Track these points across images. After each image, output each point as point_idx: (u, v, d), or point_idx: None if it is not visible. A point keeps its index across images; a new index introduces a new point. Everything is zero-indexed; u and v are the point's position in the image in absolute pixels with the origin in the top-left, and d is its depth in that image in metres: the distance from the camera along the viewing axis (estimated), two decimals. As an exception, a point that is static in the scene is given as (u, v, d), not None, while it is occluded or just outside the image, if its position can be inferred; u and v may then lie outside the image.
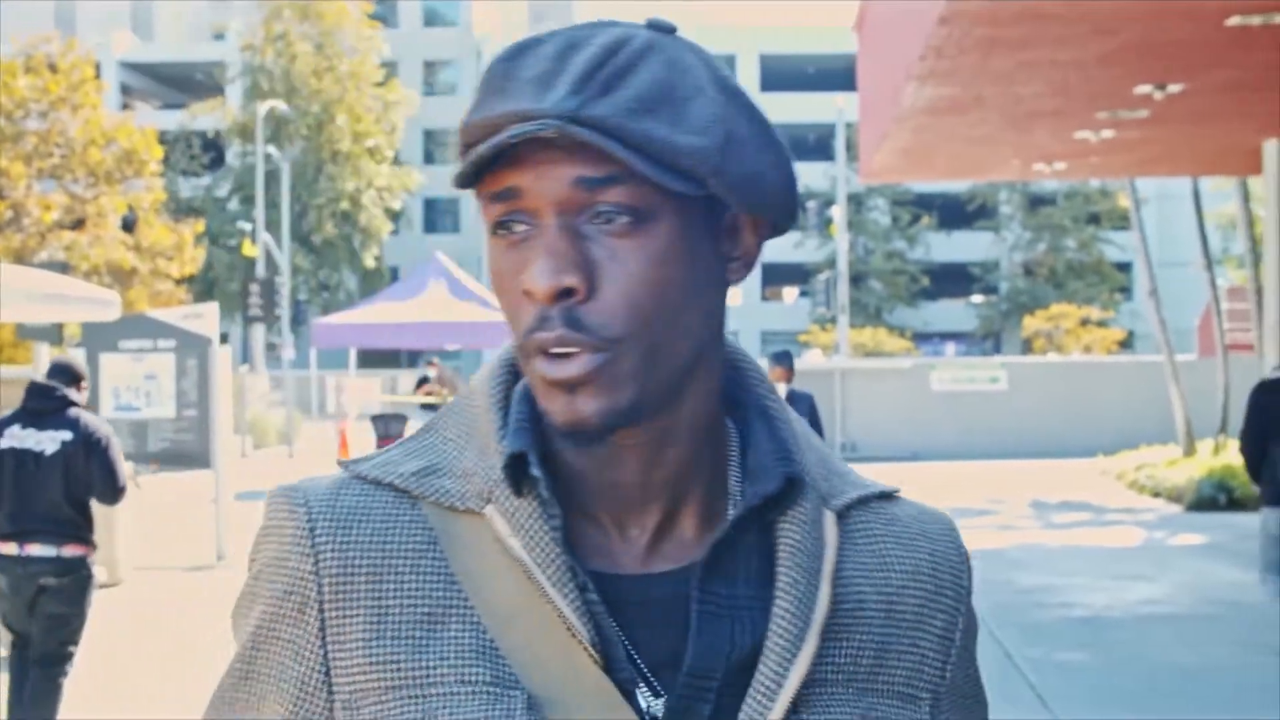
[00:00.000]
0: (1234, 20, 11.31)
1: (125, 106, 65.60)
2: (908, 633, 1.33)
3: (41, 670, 7.66)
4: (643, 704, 1.24)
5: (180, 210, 51.96)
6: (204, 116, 58.23)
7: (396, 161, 60.68)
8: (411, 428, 24.66)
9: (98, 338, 14.93)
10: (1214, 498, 20.02)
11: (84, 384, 8.08)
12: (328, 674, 1.28)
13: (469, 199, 73.62)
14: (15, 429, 7.77)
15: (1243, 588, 11.00)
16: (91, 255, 28.87)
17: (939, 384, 30.71)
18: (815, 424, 11.60)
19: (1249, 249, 22.79)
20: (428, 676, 1.25)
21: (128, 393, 14.99)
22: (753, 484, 1.29)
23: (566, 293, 1.20)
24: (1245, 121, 16.44)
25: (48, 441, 7.74)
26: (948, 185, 63.68)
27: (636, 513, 1.29)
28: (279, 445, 35.42)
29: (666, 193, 1.21)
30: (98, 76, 32.13)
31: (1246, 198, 23.32)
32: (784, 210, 1.29)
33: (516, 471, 1.27)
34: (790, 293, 73.09)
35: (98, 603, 7.97)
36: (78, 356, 13.94)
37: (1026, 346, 58.94)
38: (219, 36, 74.01)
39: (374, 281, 57.21)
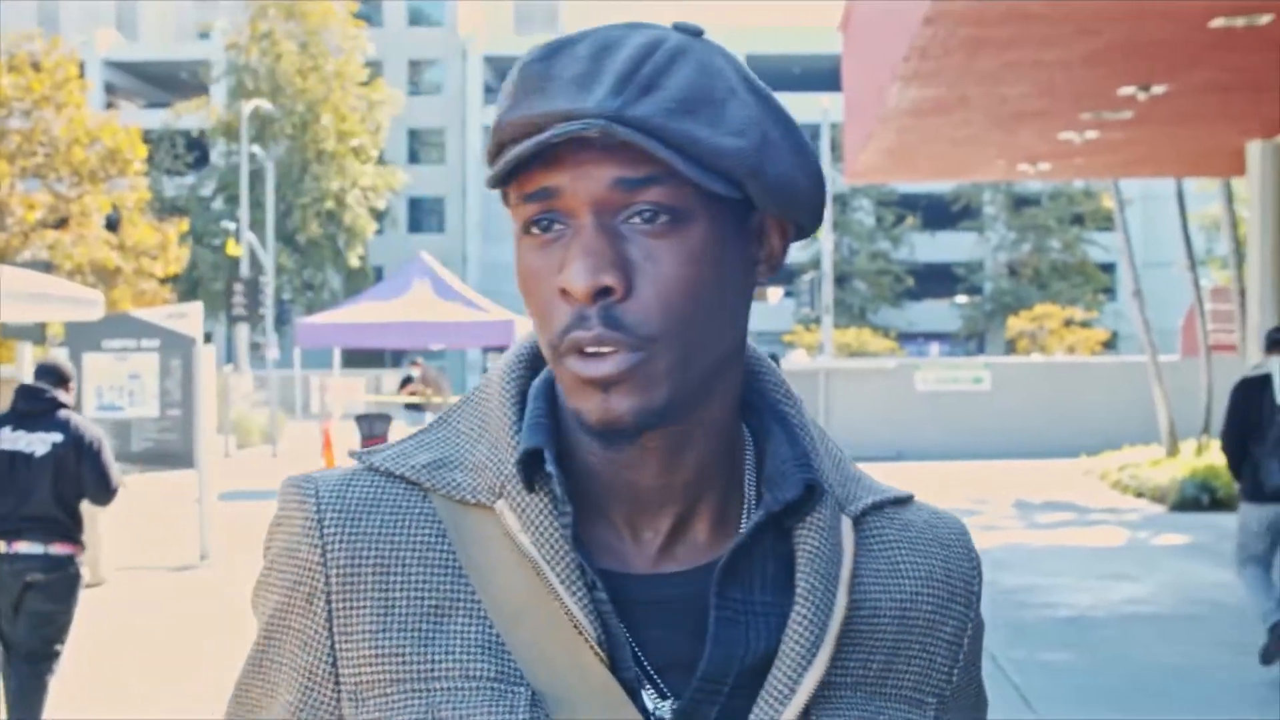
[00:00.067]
0: (1217, 22, 11.33)
1: (109, 105, 65.47)
2: (919, 638, 1.33)
3: (28, 668, 7.65)
4: (649, 705, 1.24)
5: (164, 209, 51.84)
6: (188, 115, 58.10)
7: (381, 161, 60.61)
8: (396, 428, 24.78)
9: (81, 337, 14.89)
10: (1197, 498, 20.07)
11: (71, 385, 8.11)
12: (334, 665, 1.28)
13: (453, 199, 73.68)
14: (5, 431, 7.80)
15: (1226, 588, 11.03)
16: (75, 254, 28.80)
17: (923, 384, 30.75)
18: None
19: (1232, 250, 22.84)
20: (432, 671, 1.25)
21: (111, 392, 14.96)
22: (772, 490, 1.30)
23: (604, 292, 1.20)
24: (1229, 123, 16.48)
25: (38, 443, 7.76)
26: (932, 186, 63.77)
27: (651, 515, 1.29)
28: (263, 445, 35.37)
29: (701, 194, 1.22)
30: (82, 75, 32.05)
31: (1230, 199, 23.37)
32: (812, 214, 1.30)
33: (529, 467, 1.27)
34: (775, 293, 73.15)
35: (81, 602, 7.95)
36: (61, 356, 13.91)
37: (1010, 347, 59.03)
38: (204, 35, 73.89)
39: (358, 281, 57.12)
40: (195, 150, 63.43)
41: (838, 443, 1.39)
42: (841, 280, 64.54)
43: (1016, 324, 55.92)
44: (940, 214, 69.00)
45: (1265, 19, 11.20)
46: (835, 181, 53.04)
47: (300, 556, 1.29)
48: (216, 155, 60.02)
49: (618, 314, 1.20)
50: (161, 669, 10.23)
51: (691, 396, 1.25)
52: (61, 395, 7.93)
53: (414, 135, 75.16)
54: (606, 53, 1.23)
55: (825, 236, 41.74)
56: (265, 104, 49.47)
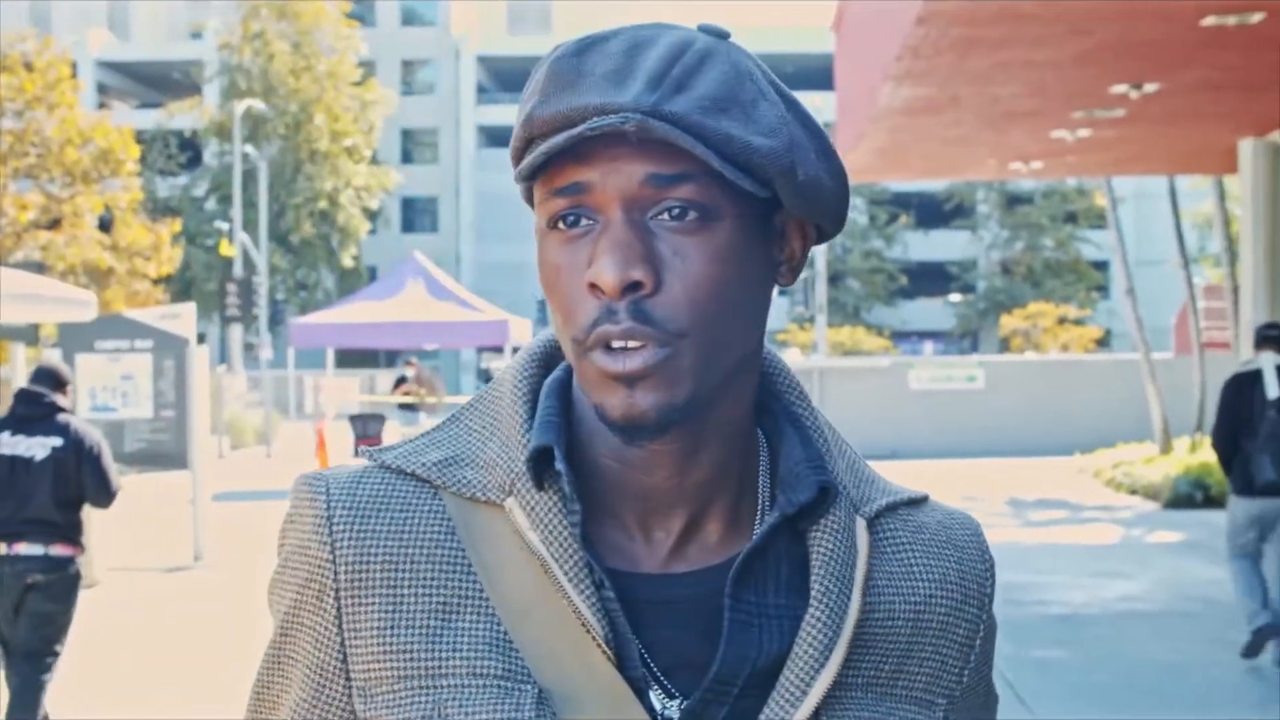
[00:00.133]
0: (1209, 20, 11.34)
1: (102, 106, 65.38)
2: (932, 641, 1.34)
3: (28, 667, 7.70)
4: (656, 705, 1.25)
5: (157, 210, 51.78)
6: (181, 116, 58.00)
7: (374, 161, 60.56)
8: (390, 428, 24.76)
9: (74, 338, 14.88)
10: (1190, 495, 20.09)
11: (69, 388, 8.19)
12: (345, 661, 1.29)
13: (446, 199, 73.61)
14: (5, 436, 7.87)
15: (1219, 585, 11.05)
16: (68, 255, 28.76)
17: (917, 383, 30.76)
18: None
19: (1225, 248, 22.87)
20: (440, 667, 1.25)
21: (104, 393, 14.95)
22: (785, 492, 1.30)
23: (634, 286, 1.20)
24: (1221, 121, 16.50)
25: (38, 447, 7.84)
26: (925, 184, 63.78)
27: (663, 515, 1.29)
28: (257, 445, 35.34)
29: (730, 193, 1.23)
30: (74, 75, 32.00)
31: (1223, 196, 23.39)
32: (836, 217, 1.31)
33: (540, 466, 1.27)
34: (768, 292, 73.06)
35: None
36: (55, 358, 13.91)
37: (1004, 345, 59.05)
38: (196, 35, 73.79)
39: (352, 281, 57.09)
40: (188, 150, 63.36)
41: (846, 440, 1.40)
42: (835, 279, 64.55)
43: (1010, 322, 55.93)
44: (933, 212, 69.02)
45: (1257, 17, 11.21)
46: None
47: (311, 553, 1.30)
48: (209, 155, 59.97)
49: (647, 309, 1.21)
50: (155, 670, 10.23)
51: (712, 394, 1.25)
52: (60, 399, 8.01)
53: (407, 135, 75.09)
54: (639, 50, 1.24)
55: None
56: (258, 104, 49.44)
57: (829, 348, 46.48)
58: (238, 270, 42.66)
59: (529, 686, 1.24)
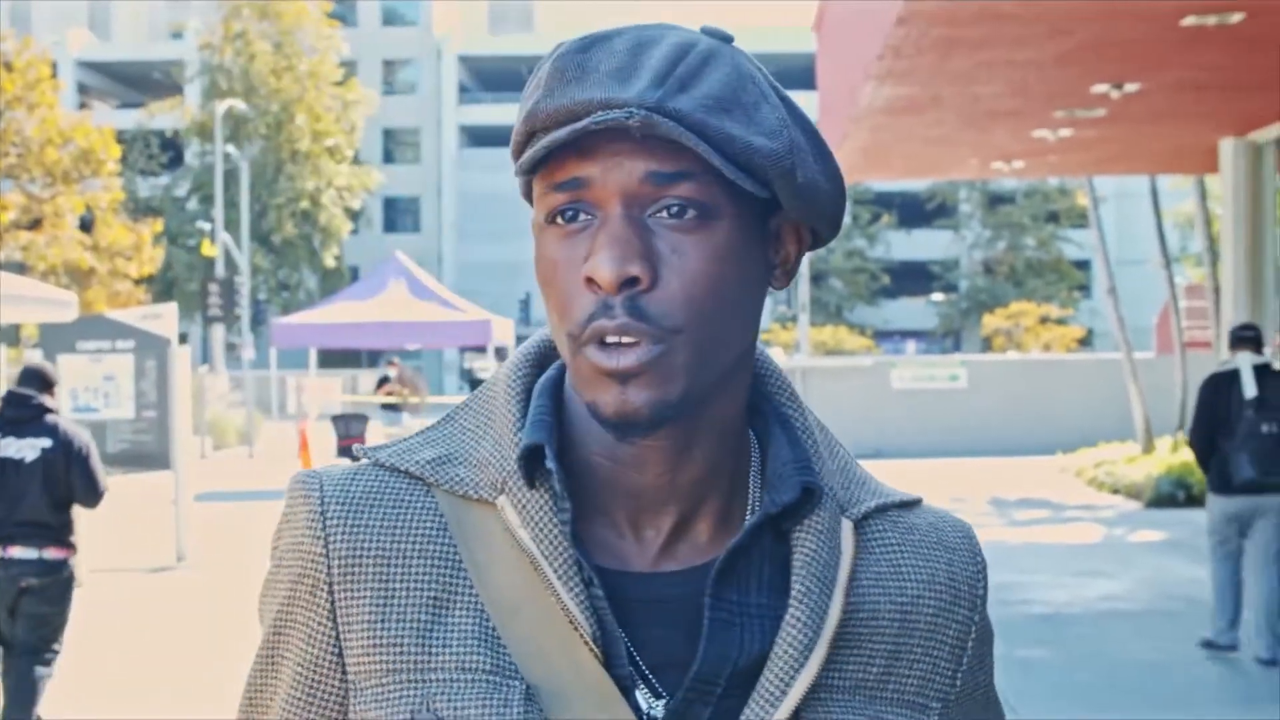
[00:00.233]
0: (1189, 20, 11.37)
1: (82, 106, 65.23)
2: (921, 642, 1.33)
3: (26, 664, 7.79)
4: (642, 704, 1.25)
5: (139, 210, 51.69)
6: (162, 116, 57.87)
7: (356, 161, 60.48)
8: (373, 428, 24.73)
9: (55, 338, 14.85)
10: (1173, 494, 20.13)
11: (56, 389, 8.29)
12: (340, 656, 1.29)
13: (428, 199, 73.54)
14: None
15: (1201, 584, 11.09)
16: (49, 255, 28.71)
17: (899, 382, 30.79)
18: None
19: (1207, 247, 22.91)
20: (429, 662, 1.26)
21: (86, 394, 14.92)
22: (770, 492, 1.30)
23: (630, 282, 1.21)
24: (1202, 120, 16.54)
25: (27, 449, 7.92)
26: (907, 184, 63.83)
27: (654, 513, 1.30)
28: (239, 446, 35.28)
29: (729, 193, 1.24)
30: (54, 75, 31.95)
31: (1204, 196, 23.44)
32: (832, 221, 1.32)
33: (531, 464, 1.28)
34: (751, 291, 73.09)
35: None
36: (37, 357, 13.88)
37: (986, 344, 59.14)
38: (177, 35, 73.65)
39: (334, 281, 57.00)
40: (169, 150, 63.21)
41: (840, 442, 1.40)
42: (818, 278, 64.59)
43: (992, 321, 56.02)
44: (916, 212, 69.09)
45: (1237, 17, 11.23)
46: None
47: (304, 549, 1.30)
48: (191, 155, 59.85)
49: (642, 304, 1.21)
50: (138, 670, 10.21)
51: (705, 393, 1.26)
52: (48, 400, 8.10)
53: (389, 135, 75.01)
54: (644, 48, 1.24)
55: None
56: (239, 104, 49.35)
57: (811, 347, 46.51)
58: (220, 270, 42.59)
59: (517, 682, 1.24)
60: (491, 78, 78.02)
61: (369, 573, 1.28)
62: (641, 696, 1.25)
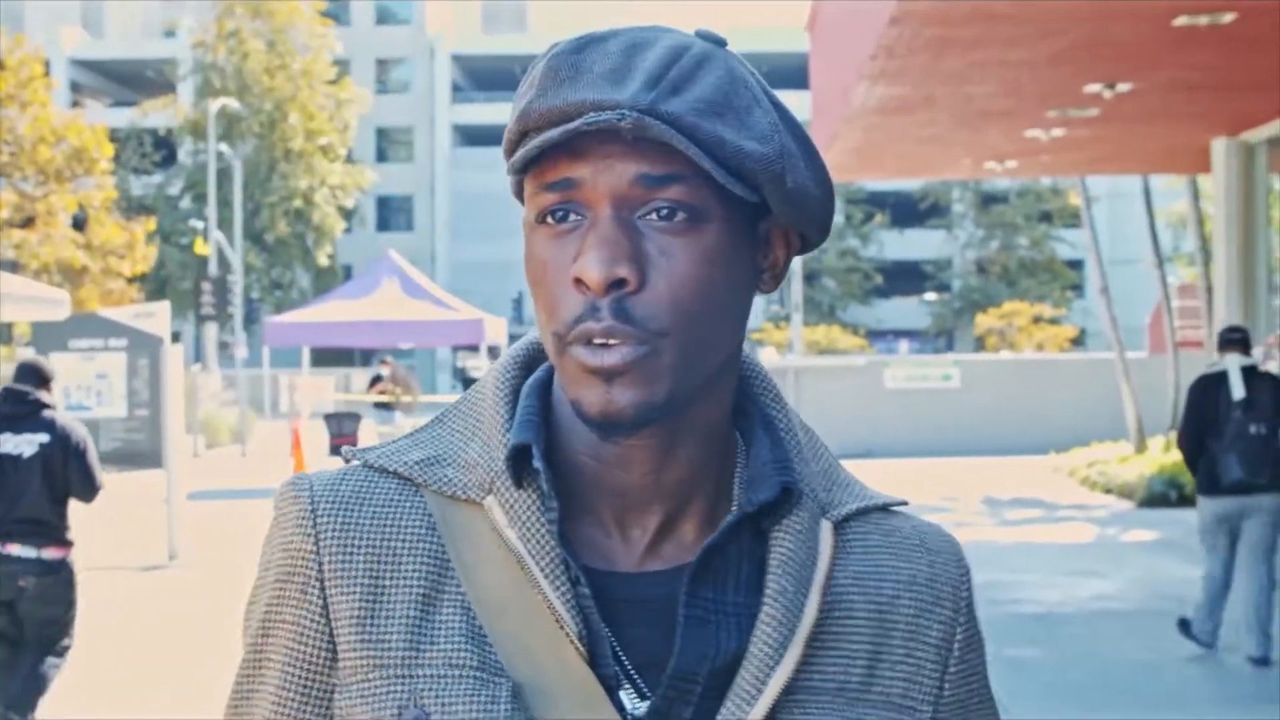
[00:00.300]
0: (1181, 20, 11.37)
1: (75, 104, 65.17)
2: (903, 643, 1.33)
3: (37, 657, 7.88)
4: (627, 703, 1.25)
5: (132, 208, 51.63)
6: (155, 114, 57.83)
7: (349, 159, 60.44)
8: (365, 426, 24.71)
9: (48, 337, 14.84)
10: (1165, 494, 20.15)
11: (53, 384, 8.34)
12: (334, 653, 1.29)
13: (421, 198, 73.51)
14: None
15: (1194, 583, 11.10)
16: (41, 254, 28.68)
17: (892, 381, 30.80)
18: None
19: (1199, 247, 22.94)
20: (417, 658, 1.26)
21: (78, 392, 14.90)
22: (749, 491, 1.31)
23: (618, 283, 1.21)
24: (1194, 120, 16.54)
25: (25, 445, 7.98)
26: (900, 183, 63.87)
27: (640, 513, 1.30)
28: (232, 444, 35.25)
29: (718, 196, 1.24)
30: (47, 73, 31.89)
31: (1196, 196, 23.47)
32: (821, 226, 1.33)
33: (519, 464, 1.28)
34: (744, 291, 73.03)
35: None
36: (27, 355, 13.87)
37: (979, 344, 59.17)
38: (170, 34, 73.56)
39: (327, 280, 56.95)
40: (162, 149, 63.16)
41: (825, 445, 1.41)
42: (810, 278, 64.61)
43: (985, 321, 56.04)
44: (909, 211, 69.12)
45: (1228, 17, 11.24)
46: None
47: (293, 547, 1.30)
48: (184, 154, 59.77)
49: (629, 307, 1.21)
50: (130, 669, 10.20)
51: (690, 395, 1.26)
52: (45, 396, 8.15)
53: (382, 134, 74.97)
54: (638, 50, 1.25)
55: (794, 234, 41.68)
56: (232, 103, 49.29)
57: (805, 347, 46.52)
58: (212, 269, 42.55)
59: (504, 680, 1.24)
60: (485, 77, 78.01)
61: (360, 569, 1.28)
62: (626, 696, 1.25)
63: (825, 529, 1.33)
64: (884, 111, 15.68)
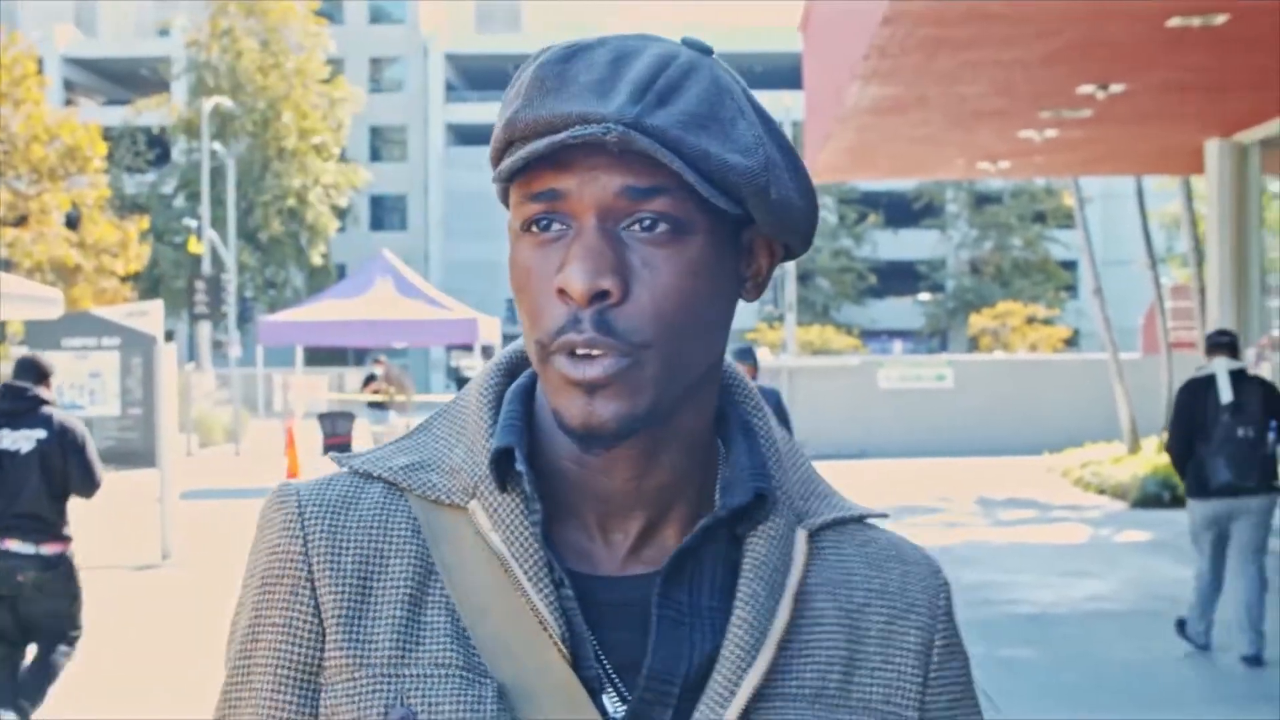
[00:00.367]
0: (1174, 21, 11.38)
1: (69, 102, 65.09)
2: (878, 649, 1.33)
3: (48, 647, 8.03)
4: (609, 707, 1.26)
5: (125, 207, 51.60)
6: (149, 113, 57.79)
7: (343, 158, 60.42)
8: (359, 426, 24.70)
9: (41, 335, 14.82)
10: (1158, 495, 20.17)
11: (52, 380, 8.45)
12: (325, 652, 1.29)
13: (415, 197, 73.49)
14: None
15: (1187, 584, 11.11)
16: (34, 252, 28.65)
17: (886, 382, 30.81)
18: (784, 420, 11.66)
19: (1192, 248, 22.95)
20: (404, 658, 1.26)
21: (72, 391, 14.89)
22: (724, 496, 1.31)
23: (601, 295, 1.22)
24: (1187, 121, 16.56)
25: (23, 441, 8.05)
26: (894, 183, 63.88)
27: (622, 517, 1.31)
28: (225, 443, 35.24)
29: (702, 208, 1.24)
30: (40, 72, 31.86)
31: (1190, 197, 23.48)
32: (804, 236, 1.33)
33: (502, 468, 1.29)
34: (738, 290, 72.98)
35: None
36: (20, 354, 13.86)
37: (973, 344, 59.16)
38: (164, 32, 73.50)
39: (321, 279, 56.94)
40: (156, 147, 63.11)
41: (807, 455, 1.41)
42: (804, 278, 64.61)
43: (979, 321, 56.05)
44: (902, 211, 69.15)
45: (1221, 19, 11.26)
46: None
47: (281, 550, 1.30)
48: (177, 152, 59.76)
49: (610, 319, 1.22)
50: (123, 668, 10.19)
51: (672, 405, 1.26)
52: (43, 392, 8.25)
53: (375, 133, 74.96)
54: (624, 61, 1.25)
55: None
56: (226, 101, 49.27)
57: (798, 347, 46.51)
58: (206, 268, 42.51)
59: (490, 680, 1.25)
60: (478, 76, 77.99)
61: (349, 569, 1.29)
62: (608, 700, 1.26)
63: (800, 537, 1.33)
64: (877, 111, 15.68)
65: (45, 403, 8.20)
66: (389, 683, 1.26)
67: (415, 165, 74.77)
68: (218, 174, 51.97)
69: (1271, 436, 10.28)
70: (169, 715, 8.83)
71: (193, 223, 50.34)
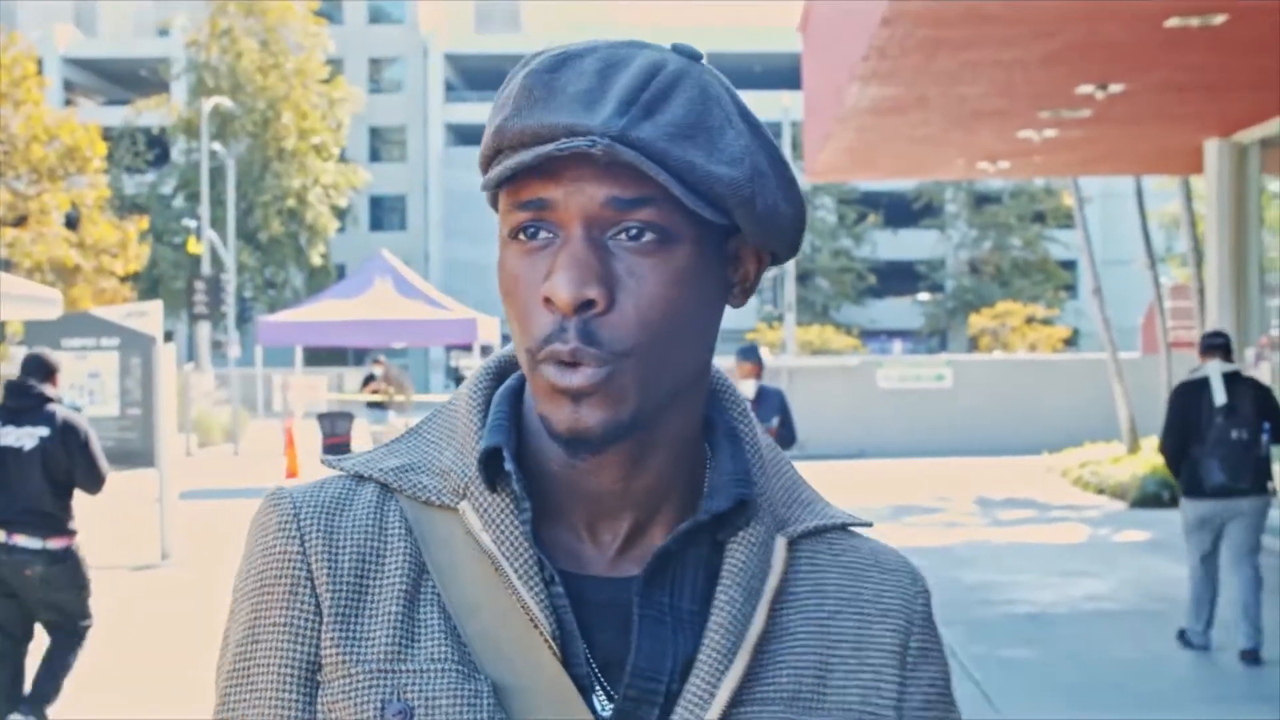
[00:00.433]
0: (1173, 21, 11.39)
1: (68, 102, 65.06)
2: (852, 653, 1.34)
3: (62, 638, 8.14)
4: (598, 706, 1.27)
5: (124, 207, 51.60)
6: (148, 113, 57.75)
7: (342, 159, 60.41)
8: (358, 426, 24.69)
9: (40, 336, 14.82)
10: (1157, 494, 20.18)
11: (58, 377, 8.54)
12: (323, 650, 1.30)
13: (414, 197, 73.48)
14: None
15: (1186, 584, 11.13)
16: (34, 252, 28.64)
17: (885, 382, 30.82)
18: (787, 420, 11.67)
19: (1191, 248, 22.94)
20: (400, 654, 1.27)
21: (71, 391, 14.88)
22: (706, 501, 1.32)
23: (587, 305, 1.23)
24: (1186, 121, 16.56)
25: (26, 437, 8.14)
26: (894, 183, 63.87)
27: (611, 519, 1.32)
28: (224, 444, 35.23)
29: (689, 217, 1.25)
30: (40, 72, 31.85)
31: (1189, 197, 23.48)
32: (791, 244, 1.34)
33: (491, 468, 1.30)
34: (737, 291, 72.95)
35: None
36: (19, 354, 13.87)
37: (972, 344, 59.16)
38: (163, 32, 73.46)
39: (320, 279, 56.93)
40: (155, 148, 63.10)
41: (792, 464, 1.42)
42: (804, 278, 64.61)
43: (978, 321, 56.03)
44: (902, 211, 69.14)
45: (1220, 19, 11.26)
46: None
47: (278, 551, 1.31)
48: (177, 153, 59.75)
49: (594, 328, 1.23)
50: (122, 668, 10.20)
51: (658, 411, 1.27)
52: (49, 390, 8.33)
53: (375, 133, 74.95)
54: (613, 70, 1.25)
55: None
56: (226, 101, 49.27)
57: (798, 347, 46.50)
58: (205, 268, 42.51)
59: (486, 676, 1.26)
60: (477, 76, 77.97)
61: (346, 567, 1.30)
62: (597, 699, 1.27)
63: (779, 544, 1.34)
64: (877, 112, 15.68)
65: (50, 400, 8.29)
66: (386, 679, 1.26)
67: (415, 165, 74.77)
68: (217, 174, 51.97)
69: (1265, 438, 10.33)
70: (169, 715, 8.83)
71: (192, 223, 50.34)
